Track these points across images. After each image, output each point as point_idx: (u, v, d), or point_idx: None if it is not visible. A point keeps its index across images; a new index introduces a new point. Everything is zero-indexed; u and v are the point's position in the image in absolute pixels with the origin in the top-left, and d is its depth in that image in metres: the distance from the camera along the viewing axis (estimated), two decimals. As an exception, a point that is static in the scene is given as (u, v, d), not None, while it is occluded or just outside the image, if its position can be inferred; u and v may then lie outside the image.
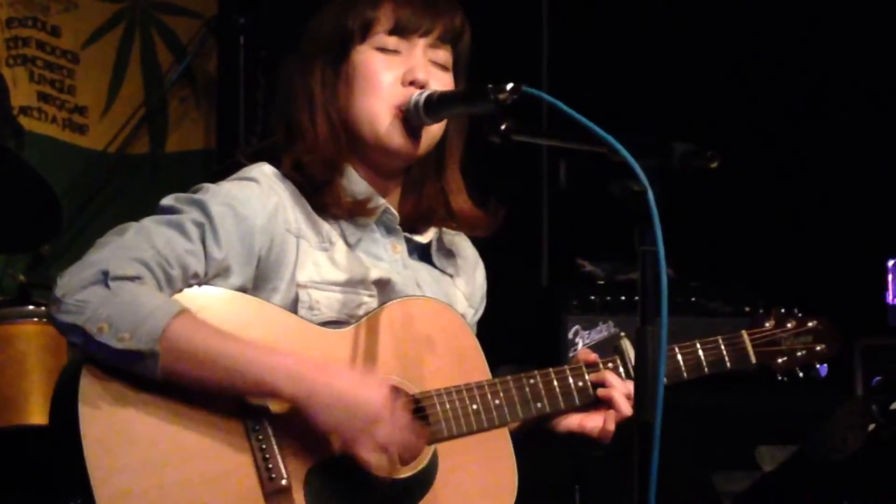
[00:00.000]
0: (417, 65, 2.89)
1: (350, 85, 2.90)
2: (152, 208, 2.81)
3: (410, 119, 2.87)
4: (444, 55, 2.94)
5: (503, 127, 2.60)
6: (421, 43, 2.91)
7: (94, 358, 2.64)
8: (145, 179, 5.91)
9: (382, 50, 2.90)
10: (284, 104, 2.95)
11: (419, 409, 2.81)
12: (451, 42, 2.95)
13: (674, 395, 2.93)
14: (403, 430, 2.71)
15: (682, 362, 3.03)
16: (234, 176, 2.89)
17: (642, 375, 2.41)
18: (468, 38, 2.99)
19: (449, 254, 3.09)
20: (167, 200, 2.82)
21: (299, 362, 2.69)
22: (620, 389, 2.93)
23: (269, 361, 2.67)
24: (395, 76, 2.88)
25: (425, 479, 2.80)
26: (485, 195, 3.06)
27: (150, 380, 2.64)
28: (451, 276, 3.08)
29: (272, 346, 2.71)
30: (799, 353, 3.16)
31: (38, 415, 4.09)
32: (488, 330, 3.08)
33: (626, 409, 2.92)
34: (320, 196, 2.89)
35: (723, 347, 3.07)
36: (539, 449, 3.00)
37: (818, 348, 3.18)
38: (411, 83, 2.88)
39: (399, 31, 2.90)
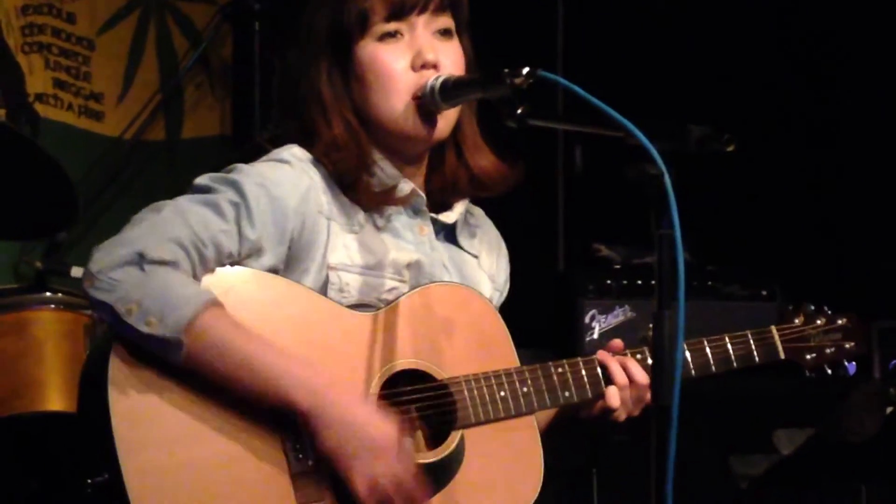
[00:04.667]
0: (423, 45, 2.88)
1: (362, 83, 2.89)
2: (168, 194, 2.82)
3: (426, 104, 2.86)
4: (445, 20, 2.92)
5: (519, 111, 2.60)
6: (420, 21, 2.89)
7: (121, 337, 2.66)
8: (161, 166, 5.91)
9: (384, 38, 2.88)
10: (293, 103, 2.94)
11: (447, 393, 2.82)
12: (450, 7, 2.93)
13: (691, 379, 2.93)
14: (404, 473, 2.69)
15: (710, 356, 3.04)
16: (266, 157, 2.90)
17: (660, 360, 2.41)
18: None
19: (473, 234, 3.09)
20: (202, 179, 2.83)
21: (320, 378, 2.70)
22: (625, 387, 2.94)
23: (291, 371, 2.68)
24: (405, 63, 2.87)
25: (450, 464, 2.80)
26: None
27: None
28: (475, 256, 3.08)
29: (298, 356, 2.71)
30: (828, 350, 3.16)
31: (55, 401, 4.09)
32: (504, 315, 3.08)
33: (626, 409, 2.95)
34: (348, 189, 2.90)
35: (752, 342, 3.08)
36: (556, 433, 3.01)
37: (847, 346, 3.18)
38: (422, 66, 2.87)
39: (395, 14, 2.88)
